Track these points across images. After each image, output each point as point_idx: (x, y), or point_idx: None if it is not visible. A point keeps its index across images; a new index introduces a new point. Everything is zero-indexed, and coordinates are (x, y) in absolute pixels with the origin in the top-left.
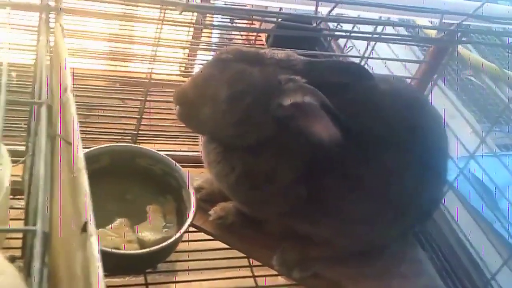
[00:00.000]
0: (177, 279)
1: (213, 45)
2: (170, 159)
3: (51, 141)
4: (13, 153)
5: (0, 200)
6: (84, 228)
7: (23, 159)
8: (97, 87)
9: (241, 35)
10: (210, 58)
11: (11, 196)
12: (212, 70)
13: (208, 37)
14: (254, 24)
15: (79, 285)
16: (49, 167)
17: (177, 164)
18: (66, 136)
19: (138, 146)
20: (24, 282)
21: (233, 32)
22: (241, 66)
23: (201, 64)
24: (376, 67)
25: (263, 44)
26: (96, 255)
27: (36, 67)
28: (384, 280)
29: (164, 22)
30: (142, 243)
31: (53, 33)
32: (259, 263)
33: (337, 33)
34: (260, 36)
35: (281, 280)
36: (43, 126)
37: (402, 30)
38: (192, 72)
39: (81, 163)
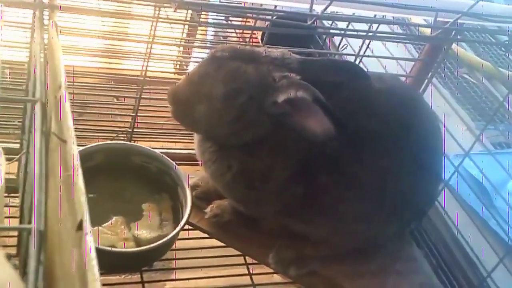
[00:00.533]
0: (173, 277)
1: (208, 42)
2: (165, 156)
3: (46, 139)
4: (7, 151)
5: None
6: (80, 226)
7: (17, 156)
8: (91, 85)
9: (236, 32)
10: (204, 55)
11: (6, 194)
12: (207, 68)
13: (203, 34)
14: (249, 22)
15: (75, 283)
16: (44, 165)
17: (173, 162)
18: (61, 134)
19: (133, 143)
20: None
21: (228, 30)
22: (236, 64)
23: (196, 62)
24: (371, 65)
25: (258, 42)
26: (92, 253)
27: (30, 64)
28: (380, 278)
29: (159, 20)
30: (138, 241)
31: (47, 30)
32: (255, 261)
33: (332, 31)
34: (255, 34)
35: (277, 277)
36: (37, 124)
37: (397, 28)
38: (187, 69)
39: (76, 161)
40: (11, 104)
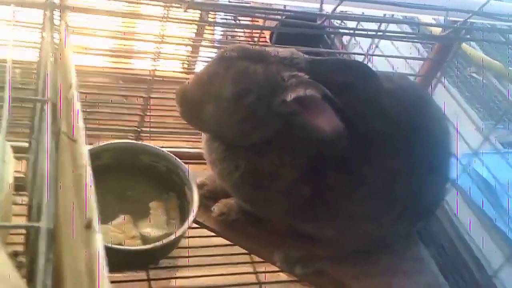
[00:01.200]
0: (179, 274)
1: (216, 42)
2: (173, 156)
3: (55, 138)
4: (16, 149)
5: (4, 196)
6: (89, 225)
7: (26, 155)
8: (100, 84)
9: (245, 32)
10: (213, 55)
11: (14, 192)
12: (216, 68)
13: (211, 34)
14: (258, 21)
15: (84, 282)
16: (53, 164)
17: (180, 161)
18: (71, 133)
19: (141, 143)
20: (23, 276)
21: (237, 30)
22: (245, 64)
23: (204, 61)
24: (380, 65)
25: (266, 42)
26: (101, 252)
27: (40, 64)
28: (386, 278)
29: (168, 20)
30: (144, 239)
31: (57, 30)
32: (261, 260)
33: (341, 30)
34: (263, 33)
35: (283, 276)
36: (47, 123)
37: (406, 28)
38: (195, 69)
39: (85, 160)
40: (20, 103)
